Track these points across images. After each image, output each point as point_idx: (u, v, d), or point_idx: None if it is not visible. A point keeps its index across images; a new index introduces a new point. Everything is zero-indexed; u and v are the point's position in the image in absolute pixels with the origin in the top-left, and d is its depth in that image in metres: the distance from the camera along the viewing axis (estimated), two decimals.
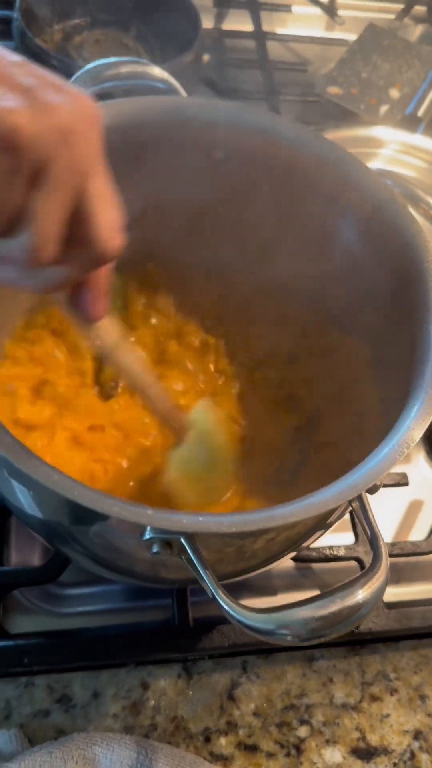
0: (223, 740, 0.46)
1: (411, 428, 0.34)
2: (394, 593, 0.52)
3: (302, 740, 0.47)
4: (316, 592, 0.30)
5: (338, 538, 0.53)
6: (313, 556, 0.50)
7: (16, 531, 0.50)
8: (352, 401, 0.47)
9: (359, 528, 0.52)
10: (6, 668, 0.45)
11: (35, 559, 0.50)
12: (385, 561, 0.30)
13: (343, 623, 0.28)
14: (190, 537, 0.31)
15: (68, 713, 0.45)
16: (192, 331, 0.54)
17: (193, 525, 0.30)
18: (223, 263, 0.53)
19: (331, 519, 0.39)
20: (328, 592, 0.29)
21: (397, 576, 0.54)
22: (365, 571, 0.30)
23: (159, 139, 0.44)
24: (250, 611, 0.29)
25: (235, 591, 0.50)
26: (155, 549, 0.32)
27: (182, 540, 0.31)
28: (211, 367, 0.54)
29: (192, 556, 0.31)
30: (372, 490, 0.33)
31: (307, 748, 0.46)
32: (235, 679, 0.48)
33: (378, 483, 0.33)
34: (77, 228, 0.27)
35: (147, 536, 0.31)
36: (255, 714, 0.47)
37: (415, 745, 0.47)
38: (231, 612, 0.29)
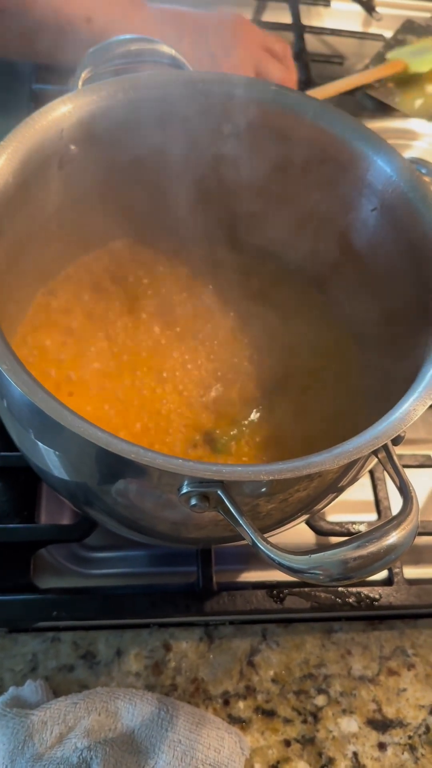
0: (241, 704, 0.47)
1: None
2: (414, 572, 0.53)
3: (319, 708, 0.47)
4: None
5: (361, 517, 0.54)
6: (336, 530, 0.51)
7: (46, 493, 0.52)
8: None
9: (382, 506, 0.53)
10: (35, 620, 0.46)
11: (64, 521, 0.51)
12: (416, 505, 0.31)
13: (376, 564, 0.29)
14: (226, 488, 0.32)
15: (92, 669, 0.47)
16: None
17: (232, 473, 0.31)
18: (227, 236, 0.54)
19: (343, 482, 0.40)
20: (362, 535, 0.30)
21: (417, 557, 0.55)
22: (397, 514, 0.31)
23: (170, 112, 0.46)
24: (288, 552, 0.30)
25: (259, 562, 0.51)
26: (193, 502, 0.33)
27: (219, 492, 0.32)
28: None
29: (229, 506, 0.32)
30: (396, 440, 0.34)
31: (323, 717, 0.47)
32: (255, 645, 0.49)
33: (402, 434, 0.34)
34: None
35: (185, 490, 0.32)
36: (273, 681, 0.48)
37: (431, 719, 0.48)
38: (269, 553, 0.30)
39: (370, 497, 0.54)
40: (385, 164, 0.45)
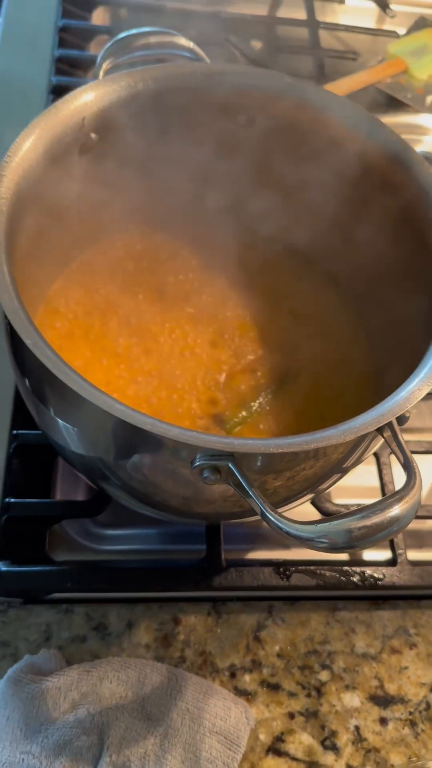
0: (247, 677, 0.48)
1: None
2: (418, 555, 0.54)
3: (323, 683, 0.49)
4: None
5: (366, 501, 0.55)
6: (341, 512, 0.52)
7: (62, 471, 0.53)
8: None
9: (387, 489, 0.55)
10: (50, 591, 0.48)
11: (78, 498, 0.53)
12: (419, 479, 0.32)
13: (379, 534, 0.30)
14: (237, 461, 0.34)
15: (104, 640, 0.48)
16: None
17: (243, 446, 0.33)
18: (243, 226, 0.56)
19: (348, 463, 0.41)
20: (366, 507, 0.31)
21: (421, 541, 0.56)
22: (401, 488, 0.32)
23: (189, 103, 0.47)
24: (295, 522, 0.31)
25: (266, 542, 0.53)
26: (205, 474, 0.34)
27: (230, 465, 0.34)
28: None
29: (240, 479, 0.34)
30: (401, 420, 0.35)
31: (327, 691, 0.49)
32: (262, 621, 0.50)
33: (407, 414, 0.35)
34: None
35: (197, 462, 0.34)
36: (279, 656, 0.49)
37: (431, 697, 0.49)
38: (278, 523, 0.31)
39: (376, 483, 0.56)
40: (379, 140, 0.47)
